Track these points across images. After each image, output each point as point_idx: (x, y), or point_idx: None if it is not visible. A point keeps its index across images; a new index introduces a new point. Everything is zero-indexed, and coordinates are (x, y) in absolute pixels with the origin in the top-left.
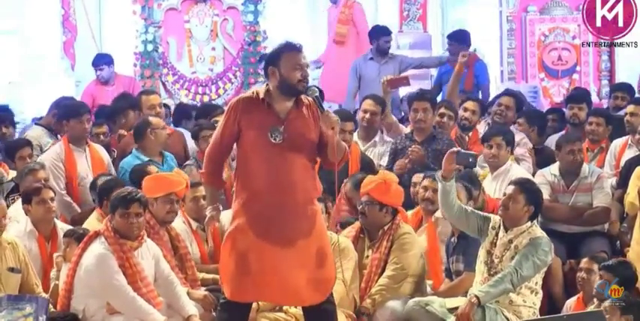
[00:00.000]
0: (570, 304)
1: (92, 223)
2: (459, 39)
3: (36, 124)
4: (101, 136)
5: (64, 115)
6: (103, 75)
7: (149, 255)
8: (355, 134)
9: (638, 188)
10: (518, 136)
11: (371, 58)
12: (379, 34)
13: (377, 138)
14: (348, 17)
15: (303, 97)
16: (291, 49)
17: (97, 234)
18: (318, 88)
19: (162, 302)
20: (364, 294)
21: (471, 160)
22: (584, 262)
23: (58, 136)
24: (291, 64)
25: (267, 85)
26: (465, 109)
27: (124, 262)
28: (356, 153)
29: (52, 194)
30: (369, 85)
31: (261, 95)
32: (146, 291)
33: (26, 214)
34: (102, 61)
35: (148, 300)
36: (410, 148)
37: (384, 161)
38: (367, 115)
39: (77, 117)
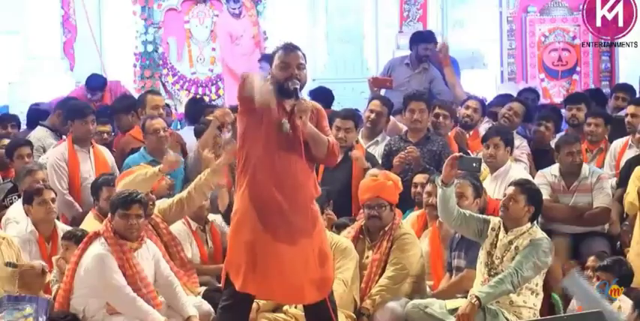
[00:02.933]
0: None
1: (89, 222)
2: (425, 39)
3: (40, 124)
4: (104, 135)
5: (69, 116)
6: (94, 99)
7: (149, 256)
8: (359, 133)
9: (637, 188)
10: (518, 141)
11: (407, 64)
12: (419, 40)
13: (379, 137)
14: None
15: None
16: (282, 49)
17: (97, 234)
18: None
19: (162, 303)
20: (364, 294)
21: (474, 165)
22: (590, 260)
23: (63, 136)
24: (279, 62)
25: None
26: (467, 107)
27: (123, 263)
28: (361, 153)
29: (53, 195)
30: (399, 86)
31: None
32: (146, 291)
33: (27, 215)
34: (97, 86)
35: (147, 300)
36: (406, 150)
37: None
38: (372, 115)
39: (82, 118)
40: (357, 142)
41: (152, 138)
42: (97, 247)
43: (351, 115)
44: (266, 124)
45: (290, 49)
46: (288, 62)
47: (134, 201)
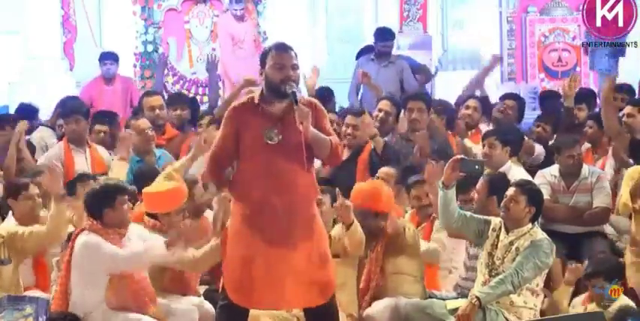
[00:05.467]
0: (576, 303)
1: None
2: (384, 38)
3: (42, 124)
4: (101, 134)
5: (60, 115)
6: (110, 71)
7: (135, 236)
8: None
9: (630, 189)
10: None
11: (372, 59)
12: (378, 38)
13: (387, 138)
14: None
15: (301, 96)
16: (275, 49)
17: (82, 230)
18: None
19: (153, 292)
20: (364, 294)
21: (477, 167)
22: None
23: None
24: (273, 63)
25: (262, 87)
26: (467, 107)
27: None
28: (367, 151)
29: (38, 190)
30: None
31: (256, 100)
32: (138, 278)
33: (11, 209)
34: (109, 57)
35: (141, 289)
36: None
37: None
38: (382, 115)
39: (67, 117)
40: (367, 141)
41: (138, 138)
42: (83, 238)
43: (362, 112)
44: (253, 134)
45: (283, 49)
46: (282, 63)
47: (120, 191)
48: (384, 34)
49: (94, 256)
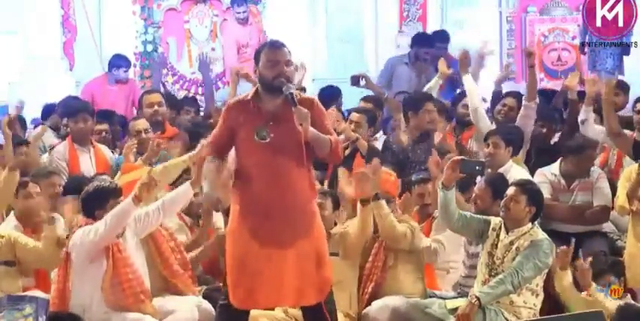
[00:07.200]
0: None
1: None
2: (428, 44)
3: (42, 124)
4: (103, 133)
5: (63, 115)
6: (123, 76)
7: (128, 233)
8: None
9: (627, 191)
10: None
11: (406, 63)
12: (420, 44)
13: (377, 135)
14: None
15: (297, 93)
16: (268, 47)
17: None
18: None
19: (148, 290)
20: (365, 288)
21: (477, 168)
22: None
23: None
24: (267, 60)
25: (256, 85)
26: (464, 106)
27: (111, 247)
28: (362, 149)
29: (38, 189)
30: (401, 85)
31: (249, 97)
32: (133, 277)
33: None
34: (125, 64)
35: (136, 285)
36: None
37: None
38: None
39: (73, 116)
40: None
41: (134, 139)
42: (76, 233)
43: (363, 110)
44: (246, 132)
45: (276, 46)
46: (276, 60)
47: (111, 193)
48: (427, 41)
49: (81, 241)
